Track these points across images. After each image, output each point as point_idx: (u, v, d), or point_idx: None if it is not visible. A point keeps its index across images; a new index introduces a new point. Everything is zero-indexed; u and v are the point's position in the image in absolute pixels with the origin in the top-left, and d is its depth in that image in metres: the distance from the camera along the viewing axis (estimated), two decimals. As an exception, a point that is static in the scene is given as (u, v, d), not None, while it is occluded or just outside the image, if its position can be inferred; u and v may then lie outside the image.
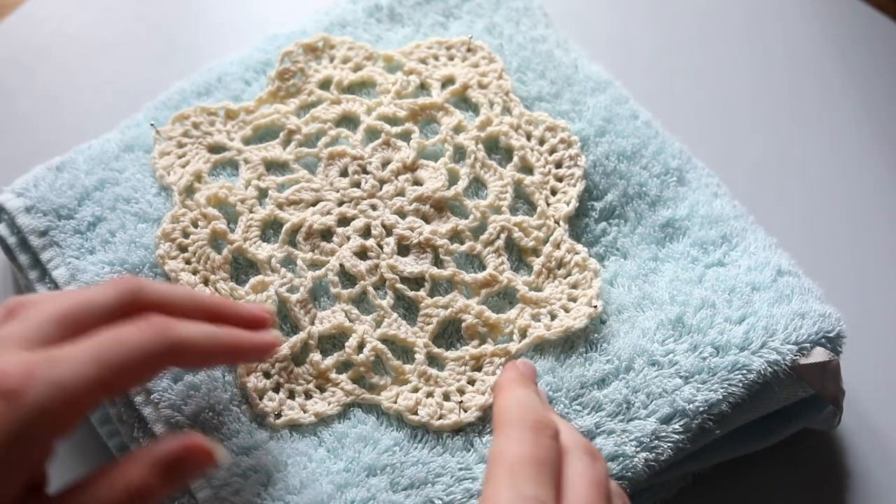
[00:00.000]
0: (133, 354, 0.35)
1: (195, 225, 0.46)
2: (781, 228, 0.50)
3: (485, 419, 0.42)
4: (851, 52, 0.64)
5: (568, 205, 0.47)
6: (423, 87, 0.51)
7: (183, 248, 0.45)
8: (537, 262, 0.46)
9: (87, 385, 0.33)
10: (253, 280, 0.45)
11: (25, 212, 0.46)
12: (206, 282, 0.44)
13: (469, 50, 0.52)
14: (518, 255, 0.47)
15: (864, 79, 0.63)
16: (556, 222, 0.47)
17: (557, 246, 0.46)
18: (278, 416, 0.42)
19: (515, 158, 0.48)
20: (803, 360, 0.43)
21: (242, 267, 0.46)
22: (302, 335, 0.44)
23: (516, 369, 0.41)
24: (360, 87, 0.51)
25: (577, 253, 0.46)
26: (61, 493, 0.34)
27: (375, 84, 0.51)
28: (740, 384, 0.42)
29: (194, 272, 0.45)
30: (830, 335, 0.44)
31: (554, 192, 0.48)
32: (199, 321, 0.38)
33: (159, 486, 0.34)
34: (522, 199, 0.48)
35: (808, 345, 0.43)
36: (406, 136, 0.49)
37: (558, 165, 0.49)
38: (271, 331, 0.41)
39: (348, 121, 0.50)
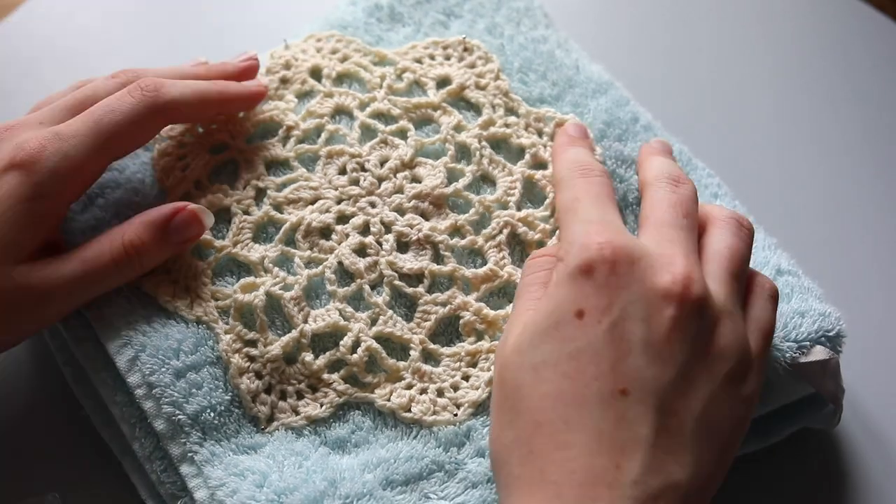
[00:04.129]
0: (125, 119, 0.41)
1: None
2: (782, 228, 0.50)
3: (481, 413, 0.42)
4: (851, 52, 0.64)
5: None
6: (418, 85, 0.51)
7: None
8: None
9: (87, 153, 0.40)
10: (242, 281, 0.44)
11: None
12: (187, 290, 0.44)
13: (465, 49, 0.52)
14: (521, 250, 0.46)
15: (864, 79, 0.63)
16: None
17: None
18: (270, 421, 0.42)
19: (527, 156, 0.48)
20: (803, 359, 0.43)
21: (236, 269, 0.45)
22: (294, 334, 0.43)
23: (565, 134, 0.47)
24: (351, 79, 0.51)
25: None
26: (71, 250, 0.40)
27: (364, 75, 0.51)
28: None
29: (174, 282, 0.44)
30: (830, 334, 0.43)
31: None
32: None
33: (152, 242, 0.41)
34: (531, 196, 0.48)
35: (807, 343, 0.43)
36: (401, 134, 0.49)
37: None
38: (260, 79, 0.47)
39: (342, 114, 0.50)
